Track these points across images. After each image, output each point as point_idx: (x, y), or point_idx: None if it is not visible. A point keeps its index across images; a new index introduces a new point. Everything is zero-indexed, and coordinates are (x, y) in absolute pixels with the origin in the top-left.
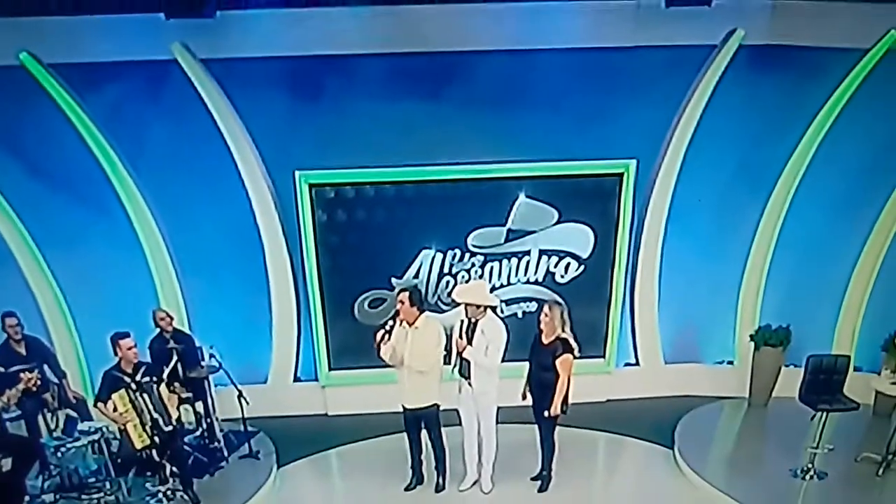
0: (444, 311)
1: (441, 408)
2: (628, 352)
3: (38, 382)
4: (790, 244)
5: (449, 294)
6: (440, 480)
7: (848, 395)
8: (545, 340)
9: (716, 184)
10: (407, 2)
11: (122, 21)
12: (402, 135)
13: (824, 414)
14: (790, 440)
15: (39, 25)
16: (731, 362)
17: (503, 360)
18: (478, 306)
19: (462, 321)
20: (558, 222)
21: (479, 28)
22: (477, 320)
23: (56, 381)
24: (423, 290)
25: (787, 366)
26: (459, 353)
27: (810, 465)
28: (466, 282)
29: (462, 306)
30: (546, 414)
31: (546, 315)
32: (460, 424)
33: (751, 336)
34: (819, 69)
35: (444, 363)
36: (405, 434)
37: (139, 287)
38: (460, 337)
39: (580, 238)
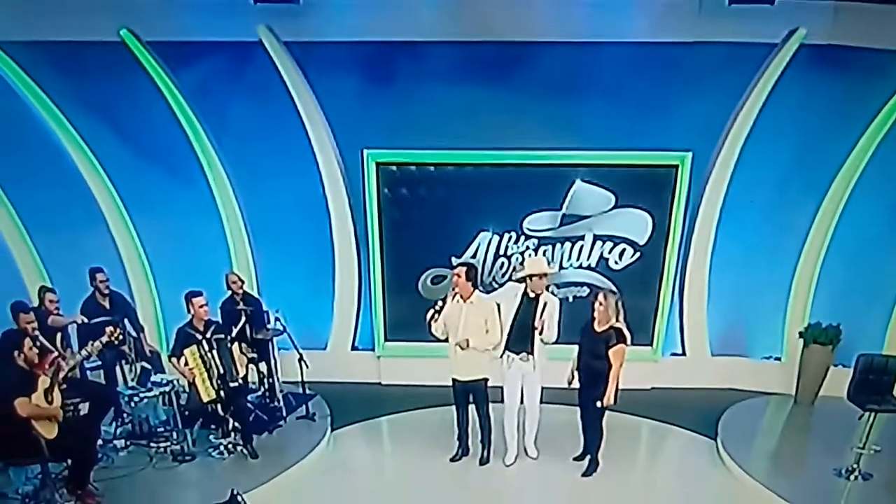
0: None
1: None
2: (675, 341)
3: (120, 337)
4: (843, 243)
5: (504, 275)
6: (485, 454)
7: None
8: (598, 329)
9: (771, 180)
10: None
11: (214, 3)
12: (466, 119)
13: (872, 415)
14: (836, 440)
15: (139, 5)
16: (778, 358)
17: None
18: (542, 276)
19: (523, 302)
20: (615, 207)
21: (546, 20)
22: (538, 296)
23: (134, 334)
24: (480, 271)
25: (835, 365)
26: (530, 334)
27: (856, 466)
28: (521, 264)
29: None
30: (598, 404)
31: (601, 304)
32: (502, 400)
33: (800, 333)
34: (879, 71)
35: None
36: (454, 407)
37: (215, 252)
38: (539, 317)
39: (638, 224)
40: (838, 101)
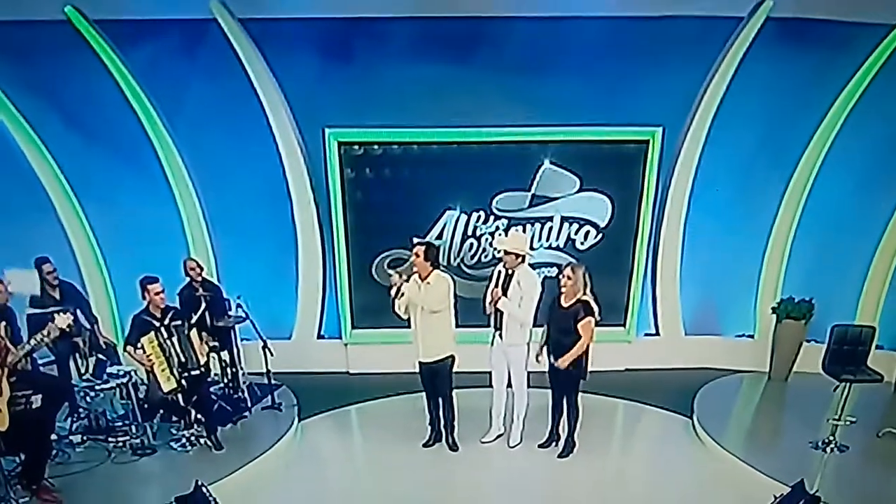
0: (464, 275)
1: (473, 369)
2: (649, 322)
3: (71, 324)
4: (814, 218)
5: (472, 256)
6: (450, 440)
7: None
8: (565, 303)
9: (741, 155)
10: None
11: None
12: (430, 97)
13: (847, 386)
14: (811, 414)
15: None
16: (751, 336)
17: None
18: (516, 255)
19: (500, 273)
20: (580, 190)
21: None
22: (513, 272)
23: (88, 326)
24: (447, 252)
25: (808, 341)
26: (494, 304)
27: (832, 438)
28: (490, 244)
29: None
30: (555, 364)
31: (569, 277)
32: (490, 384)
33: (773, 308)
34: (846, 43)
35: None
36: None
37: (171, 239)
38: (496, 286)
39: (598, 206)
40: (806, 73)
